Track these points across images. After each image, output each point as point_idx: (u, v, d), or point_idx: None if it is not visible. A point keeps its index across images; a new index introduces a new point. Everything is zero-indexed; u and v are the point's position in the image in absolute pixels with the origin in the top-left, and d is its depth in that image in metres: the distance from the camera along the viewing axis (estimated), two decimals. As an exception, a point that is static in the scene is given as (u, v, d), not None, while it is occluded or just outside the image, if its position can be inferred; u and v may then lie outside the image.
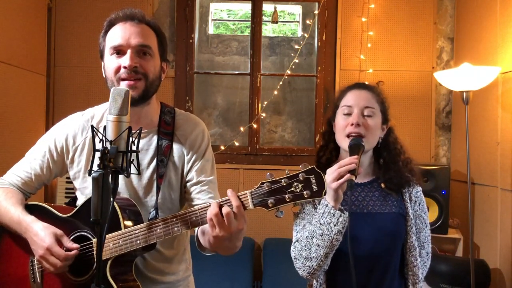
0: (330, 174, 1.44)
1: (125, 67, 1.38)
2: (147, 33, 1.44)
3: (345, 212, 1.47)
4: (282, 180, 1.22)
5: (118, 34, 1.41)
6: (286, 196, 1.21)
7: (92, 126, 1.17)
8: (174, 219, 1.31)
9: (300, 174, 1.22)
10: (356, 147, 1.51)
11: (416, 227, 1.63)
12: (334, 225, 1.45)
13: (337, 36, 3.60)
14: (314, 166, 1.23)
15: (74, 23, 3.55)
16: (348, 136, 1.57)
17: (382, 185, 1.65)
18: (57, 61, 3.57)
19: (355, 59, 3.58)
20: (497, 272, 2.91)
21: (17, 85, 3.01)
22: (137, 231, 1.33)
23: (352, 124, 1.57)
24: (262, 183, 1.24)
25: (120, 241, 1.33)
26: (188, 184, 1.50)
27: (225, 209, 1.20)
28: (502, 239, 2.89)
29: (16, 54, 2.98)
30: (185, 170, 1.50)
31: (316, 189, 1.21)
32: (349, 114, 1.60)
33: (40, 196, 3.26)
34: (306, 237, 1.51)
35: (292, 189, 1.22)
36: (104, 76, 1.46)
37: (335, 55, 3.60)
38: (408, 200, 1.64)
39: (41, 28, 3.36)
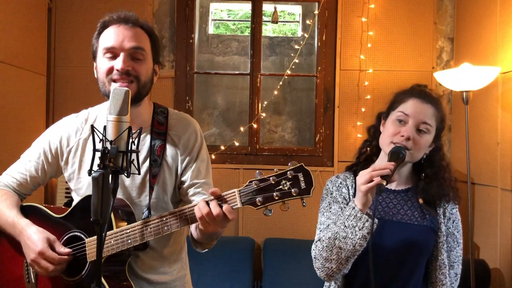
0: (362, 176, 1.39)
1: (117, 70, 1.40)
2: (140, 36, 1.45)
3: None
4: (271, 178, 1.22)
5: (112, 37, 1.43)
6: (274, 194, 1.21)
7: (92, 126, 1.17)
8: (164, 218, 1.32)
9: (288, 172, 1.22)
10: (396, 155, 1.44)
11: (447, 245, 1.56)
12: (359, 229, 1.40)
13: (337, 36, 3.59)
14: (303, 164, 1.22)
15: (74, 23, 3.55)
16: (393, 143, 1.50)
17: (420, 200, 1.57)
18: (57, 61, 3.56)
19: (355, 59, 3.58)
20: (497, 272, 2.91)
21: (17, 85, 3.01)
22: (128, 231, 1.34)
23: (402, 136, 1.48)
24: (251, 181, 1.24)
25: (112, 241, 1.34)
26: (183, 186, 1.50)
27: (215, 210, 1.23)
28: (502, 239, 2.89)
29: (16, 54, 2.98)
30: (179, 171, 1.50)
31: (304, 186, 1.21)
32: (403, 122, 1.51)
33: (40, 197, 3.26)
34: (328, 238, 1.45)
35: (281, 187, 1.21)
36: (96, 77, 1.48)
37: (335, 55, 3.60)
38: (442, 216, 1.56)
39: (41, 28, 3.35)
